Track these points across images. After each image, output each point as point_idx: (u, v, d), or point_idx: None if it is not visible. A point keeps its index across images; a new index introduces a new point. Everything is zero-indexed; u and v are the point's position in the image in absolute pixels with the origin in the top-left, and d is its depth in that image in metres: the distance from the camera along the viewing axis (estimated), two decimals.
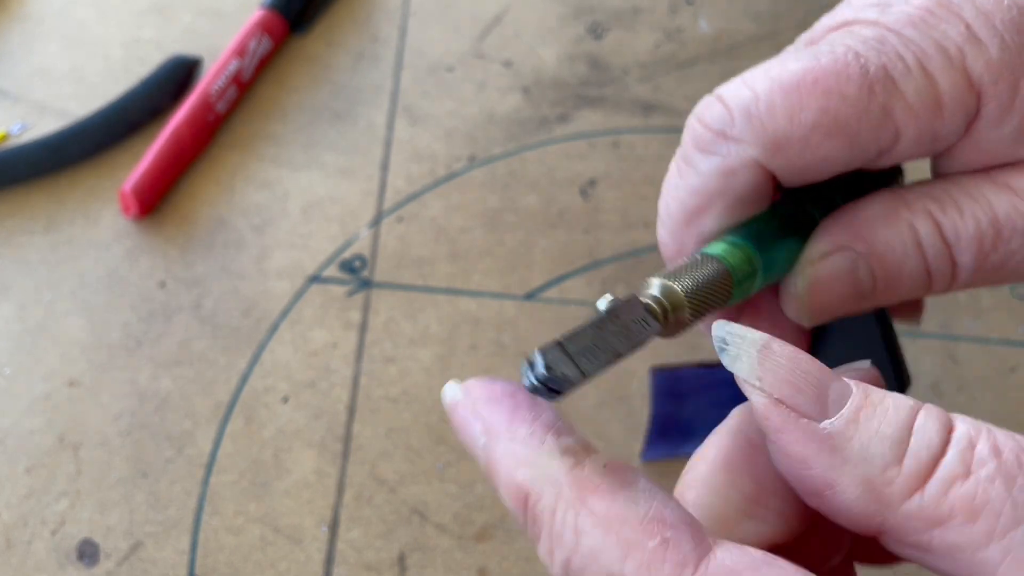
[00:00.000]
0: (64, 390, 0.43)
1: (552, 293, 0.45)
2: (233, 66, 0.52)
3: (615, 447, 0.41)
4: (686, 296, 0.24)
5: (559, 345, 0.22)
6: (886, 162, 0.26)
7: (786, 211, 0.28)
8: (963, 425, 0.20)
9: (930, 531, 0.20)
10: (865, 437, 0.20)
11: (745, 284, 0.26)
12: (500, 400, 0.22)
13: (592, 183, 0.49)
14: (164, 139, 0.49)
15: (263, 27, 0.53)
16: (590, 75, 0.53)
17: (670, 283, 0.24)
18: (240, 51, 0.52)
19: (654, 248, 0.47)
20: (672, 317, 0.24)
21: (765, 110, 0.25)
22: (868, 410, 0.20)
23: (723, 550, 0.20)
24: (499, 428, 0.22)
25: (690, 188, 0.27)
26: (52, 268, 0.46)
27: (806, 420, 0.21)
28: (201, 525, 0.39)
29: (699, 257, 0.26)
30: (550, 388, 0.22)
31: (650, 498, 0.20)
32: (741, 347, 0.21)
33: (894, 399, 0.21)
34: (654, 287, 0.24)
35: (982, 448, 0.20)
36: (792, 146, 0.25)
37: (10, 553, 0.39)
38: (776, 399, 0.21)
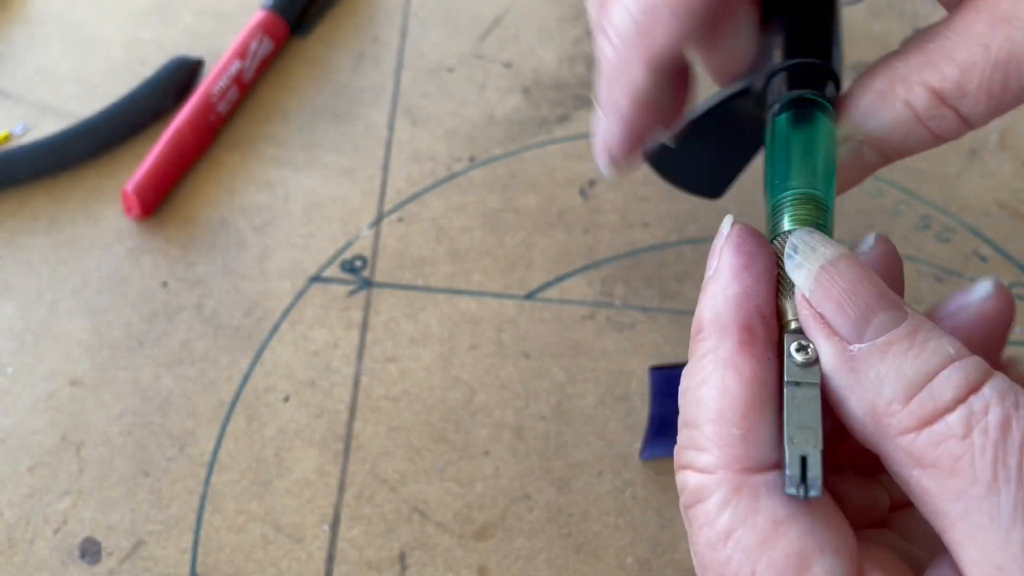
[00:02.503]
0: (66, 389, 0.43)
1: (552, 293, 0.46)
2: (234, 67, 0.52)
3: (615, 446, 0.41)
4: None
5: None
6: None
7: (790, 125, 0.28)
8: (990, 390, 0.21)
9: (912, 468, 0.21)
10: (884, 370, 0.21)
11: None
12: (741, 254, 0.24)
13: (592, 183, 0.49)
14: (166, 140, 0.49)
15: (264, 28, 0.54)
16: (590, 76, 0.53)
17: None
18: (241, 52, 0.52)
19: (654, 248, 0.47)
20: None
21: None
22: (903, 345, 0.22)
23: (769, 475, 0.22)
24: (723, 273, 0.24)
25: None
26: (54, 268, 0.46)
27: (837, 337, 0.22)
28: (203, 524, 0.40)
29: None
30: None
31: (766, 402, 0.23)
32: (808, 257, 0.23)
33: (938, 343, 0.22)
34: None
35: (992, 417, 0.20)
36: None
37: (12, 552, 0.39)
38: (818, 312, 0.23)
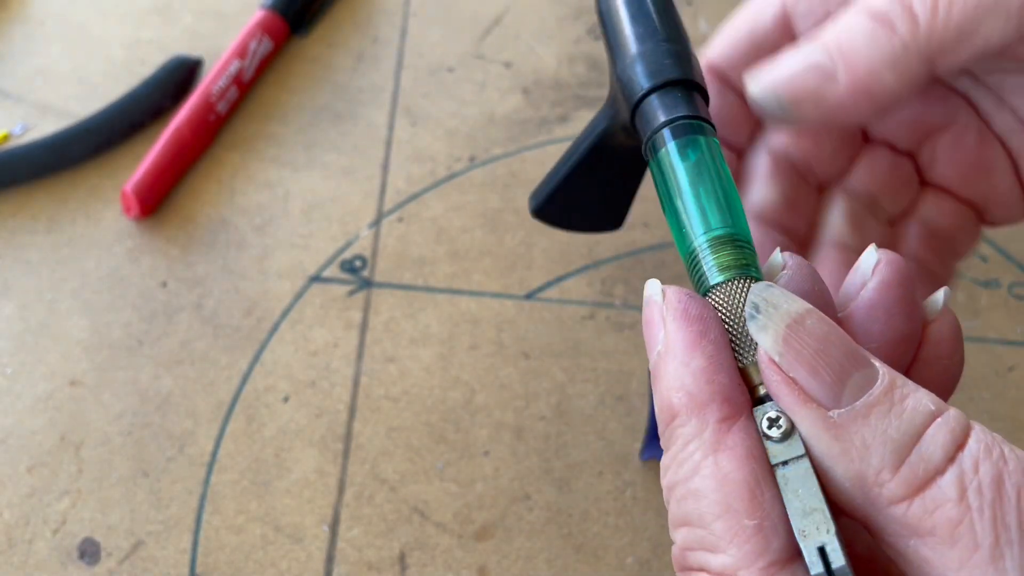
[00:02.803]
0: (66, 389, 0.43)
1: (552, 293, 0.46)
2: (234, 67, 0.52)
3: (615, 446, 0.41)
4: None
5: None
6: None
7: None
8: (976, 444, 0.20)
9: (908, 539, 0.20)
10: (869, 435, 0.20)
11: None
12: (691, 321, 0.23)
13: None
14: (165, 139, 0.49)
15: (264, 28, 0.54)
16: (590, 76, 0.53)
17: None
18: (241, 52, 0.52)
19: (654, 248, 0.47)
20: None
21: None
22: (884, 407, 0.20)
23: (796, 570, 0.20)
24: (678, 348, 0.22)
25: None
26: (54, 268, 0.46)
27: (814, 404, 0.21)
28: (202, 524, 0.40)
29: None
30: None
31: (769, 485, 0.21)
32: (772, 317, 0.21)
33: (916, 400, 0.20)
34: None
35: (984, 475, 0.19)
36: None
37: (12, 552, 0.39)
38: (790, 378, 0.21)
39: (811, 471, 0.21)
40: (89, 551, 0.39)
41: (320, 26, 0.56)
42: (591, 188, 0.32)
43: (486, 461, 0.41)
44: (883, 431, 0.20)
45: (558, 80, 0.53)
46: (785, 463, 0.21)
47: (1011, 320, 0.45)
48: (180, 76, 0.52)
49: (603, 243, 0.47)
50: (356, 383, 0.43)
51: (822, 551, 0.20)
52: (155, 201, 0.48)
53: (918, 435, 0.20)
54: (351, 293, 0.46)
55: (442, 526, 0.39)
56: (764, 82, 0.29)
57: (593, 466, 0.41)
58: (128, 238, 0.47)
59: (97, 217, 0.48)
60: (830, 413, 0.20)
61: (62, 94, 0.52)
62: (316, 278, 0.46)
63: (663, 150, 0.26)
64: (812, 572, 0.20)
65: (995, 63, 0.30)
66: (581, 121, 0.51)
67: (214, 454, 0.41)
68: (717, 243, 0.24)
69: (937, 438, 0.20)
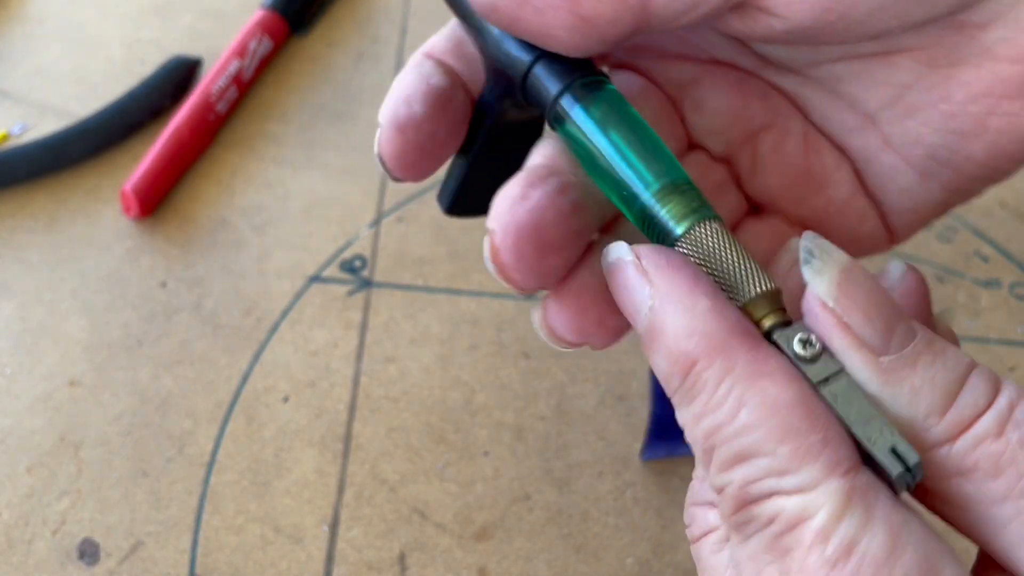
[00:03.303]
0: (65, 390, 0.43)
1: None
2: (233, 66, 0.52)
3: (615, 447, 0.41)
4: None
5: None
6: None
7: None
8: (1009, 388, 0.21)
9: (951, 480, 0.21)
10: (918, 381, 0.21)
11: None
12: (680, 268, 0.22)
13: None
14: (165, 139, 0.49)
15: (263, 27, 0.54)
16: None
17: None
18: (240, 51, 0.52)
19: None
20: None
21: None
22: (928, 356, 0.21)
23: (868, 474, 0.20)
24: (676, 296, 0.22)
25: None
26: (53, 268, 0.46)
27: (867, 349, 0.21)
28: (202, 524, 0.39)
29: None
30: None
31: (819, 402, 0.21)
32: (827, 262, 0.22)
33: (954, 352, 0.21)
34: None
35: (1020, 413, 0.20)
36: None
37: (11, 552, 0.39)
38: (845, 322, 0.21)
39: (854, 383, 0.21)
40: (88, 551, 0.39)
41: (320, 26, 0.56)
42: (496, 171, 0.30)
43: (486, 461, 0.41)
44: (931, 377, 0.21)
45: None
46: (826, 380, 0.21)
47: (1012, 320, 0.45)
48: (180, 76, 0.52)
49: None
50: (356, 383, 0.43)
51: (894, 451, 0.20)
52: (155, 201, 0.48)
53: (962, 381, 0.21)
54: (351, 293, 0.46)
55: (442, 526, 0.39)
56: None
57: (593, 466, 0.41)
58: (127, 238, 0.47)
59: (96, 217, 0.48)
60: (880, 359, 0.21)
61: (61, 94, 0.52)
62: (316, 278, 0.46)
63: (569, 119, 0.25)
64: (893, 473, 0.20)
65: (811, 52, 0.26)
66: None
67: (214, 454, 0.41)
68: (662, 195, 0.24)
69: (978, 385, 0.21)
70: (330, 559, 0.39)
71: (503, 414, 0.42)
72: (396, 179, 0.28)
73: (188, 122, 0.49)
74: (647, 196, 0.24)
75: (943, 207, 0.28)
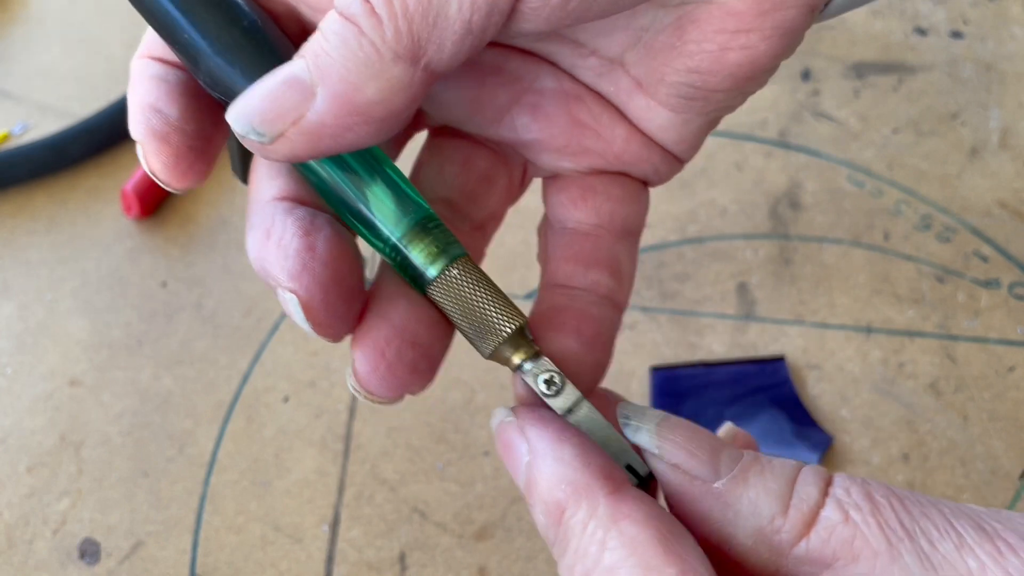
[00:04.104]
0: (66, 389, 0.43)
1: None
2: None
3: None
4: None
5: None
6: None
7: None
8: (840, 479, 0.22)
9: (821, 572, 0.22)
10: (753, 493, 0.22)
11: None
12: (548, 422, 0.24)
13: None
14: None
15: None
16: None
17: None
18: None
19: (653, 248, 0.47)
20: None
21: None
22: (756, 468, 0.23)
23: None
24: (545, 448, 0.23)
25: None
26: (54, 268, 0.46)
27: (700, 480, 0.23)
28: (202, 524, 0.40)
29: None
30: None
31: (678, 533, 0.22)
32: (642, 421, 0.24)
33: (780, 461, 0.23)
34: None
35: (856, 496, 0.22)
36: None
37: (12, 552, 0.39)
38: (674, 464, 0.23)
39: (594, 410, 0.24)
40: (89, 551, 0.39)
41: None
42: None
43: (486, 461, 0.41)
44: (764, 486, 0.22)
45: None
46: (570, 410, 0.24)
47: (1011, 320, 0.45)
48: None
49: None
50: None
51: (629, 467, 0.24)
52: (155, 201, 0.48)
53: (792, 481, 0.22)
54: None
55: (442, 526, 0.39)
56: (238, 106, 0.23)
57: None
58: (128, 238, 0.47)
59: (97, 217, 0.48)
60: (715, 486, 0.23)
61: (62, 94, 0.52)
62: None
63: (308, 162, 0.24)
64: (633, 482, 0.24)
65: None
66: None
67: (214, 454, 0.41)
68: (410, 237, 0.24)
69: (808, 479, 0.22)
70: (330, 559, 0.39)
71: None
72: (177, 190, 0.26)
73: None
74: (395, 239, 0.24)
75: (709, 127, 0.28)
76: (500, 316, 0.24)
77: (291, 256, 0.23)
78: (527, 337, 0.25)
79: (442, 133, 0.29)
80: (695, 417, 0.41)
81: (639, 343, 0.44)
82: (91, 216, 0.48)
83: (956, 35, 0.54)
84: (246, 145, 0.24)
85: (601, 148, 0.28)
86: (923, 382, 0.43)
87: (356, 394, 0.24)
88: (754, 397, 0.41)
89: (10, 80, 0.53)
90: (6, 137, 0.51)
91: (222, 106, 0.24)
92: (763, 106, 0.51)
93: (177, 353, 0.44)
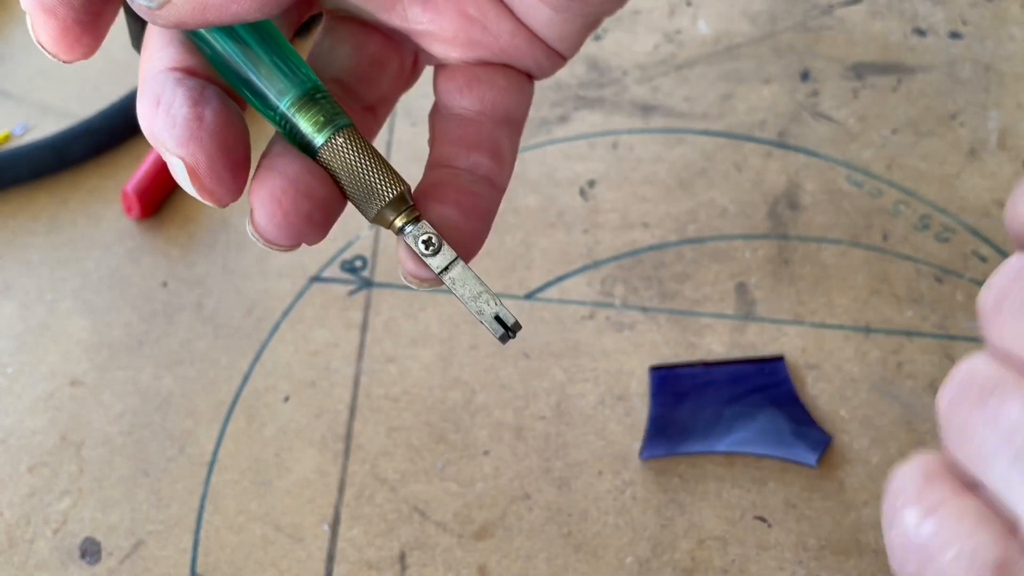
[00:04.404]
0: (66, 389, 0.43)
1: (552, 293, 0.46)
2: None
3: (615, 446, 0.41)
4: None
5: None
6: None
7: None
8: None
9: None
10: None
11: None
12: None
13: (591, 183, 0.49)
14: None
15: None
16: (589, 76, 0.54)
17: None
18: None
19: (654, 248, 0.47)
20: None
21: None
22: None
23: None
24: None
25: None
26: (54, 268, 0.46)
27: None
28: (203, 524, 0.40)
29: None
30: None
31: None
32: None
33: None
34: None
35: None
36: None
37: (12, 552, 0.39)
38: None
39: (467, 268, 0.26)
40: (90, 551, 0.39)
41: None
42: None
43: (486, 461, 0.41)
44: None
45: (558, 80, 0.53)
46: (446, 269, 0.26)
47: None
48: None
49: (603, 243, 0.47)
50: (356, 383, 0.43)
51: (497, 317, 0.26)
52: (156, 201, 0.48)
53: None
54: (351, 293, 0.46)
55: (442, 526, 0.40)
56: None
57: (593, 466, 0.41)
58: (128, 238, 0.47)
59: (98, 217, 0.48)
60: None
61: (63, 94, 0.52)
62: (316, 278, 0.46)
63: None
64: (496, 334, 0.26)
65: None
66: (580, 122, 0.51)
67: (214, 454, 0.41)
68: (299, 106, 0.26)
69: None
70: (331, 558, 0.39)
71: (503, 414, 0.42)
72: (66, 61, 0.28)
73: None
74: (284, 107, 0.26)
75: (590, 28, 0.30)
76: (383, 182, 0.26)
77: (179, 124, 0.24)
78: (408, 203, 0.26)
79: (338, 17, 0.31)
80: (694, 417, 0.41)
81: (638, 343, 0.44)
82: (92, 216, 0.48)
83: (955, 36, 0.54)
84: (136, 10, 0.25)
85: (488, 41, 0.30)
86: (922, 382, 0.43)
87: (256, 241, 0.26)
88: (753, 397, 0.41)
89: (10, 80, 0.53)
90: (7, 137, 0.51)
91: None
92: (762, 106, 0.51)
93: (178, 353, 0.44)
